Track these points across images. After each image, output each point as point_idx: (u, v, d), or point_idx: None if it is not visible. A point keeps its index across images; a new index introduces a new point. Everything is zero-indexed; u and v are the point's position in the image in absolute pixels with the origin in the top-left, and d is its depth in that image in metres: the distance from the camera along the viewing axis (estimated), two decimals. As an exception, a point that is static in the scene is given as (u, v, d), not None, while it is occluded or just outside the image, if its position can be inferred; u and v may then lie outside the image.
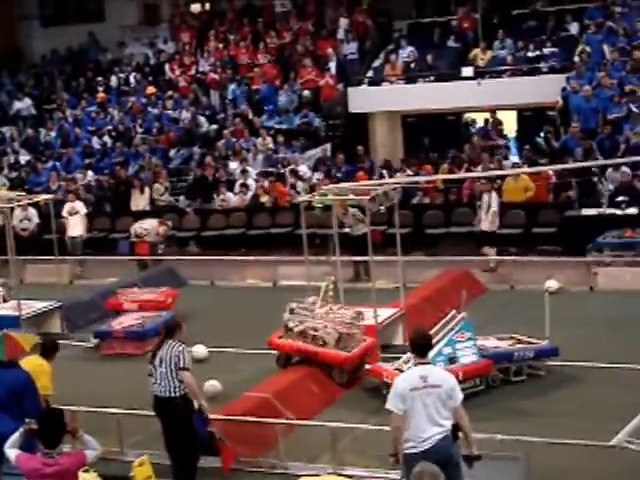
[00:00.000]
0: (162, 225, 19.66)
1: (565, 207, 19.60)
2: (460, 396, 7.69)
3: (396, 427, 7.61)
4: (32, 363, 9.75)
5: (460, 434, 7.68)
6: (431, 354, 8.75)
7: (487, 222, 18.50)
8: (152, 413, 9.61)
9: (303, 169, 22.96)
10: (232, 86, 26.58)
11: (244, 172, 22.89)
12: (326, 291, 13.32)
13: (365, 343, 12.53)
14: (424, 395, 7.54)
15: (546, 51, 23.78)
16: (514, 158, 22.12)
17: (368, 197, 13.39)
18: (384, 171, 21.98)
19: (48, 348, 10.15)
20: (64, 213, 21.05)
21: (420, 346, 7.84)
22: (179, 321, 10.10)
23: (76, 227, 18.25)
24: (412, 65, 25.10)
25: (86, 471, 8.14)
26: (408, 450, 7.50)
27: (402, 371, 9.92)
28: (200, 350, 13.54)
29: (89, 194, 24.21)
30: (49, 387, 9.91)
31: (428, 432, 7.49)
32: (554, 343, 12.15)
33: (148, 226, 19.62)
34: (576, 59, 22.71)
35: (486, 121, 24.49)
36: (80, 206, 20.64)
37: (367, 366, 12.10)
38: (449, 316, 12.02)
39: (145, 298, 16.07)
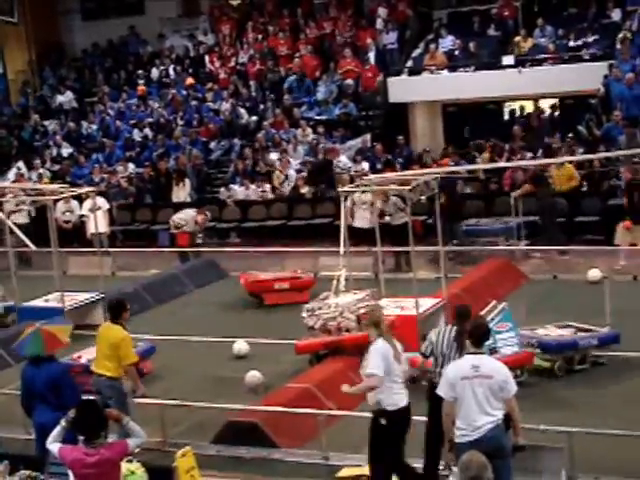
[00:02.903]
0: (200, 215, 19.72)
1: (608, 196, 19.41)
2: (514, 388, 7.64)
3: (447, 414, 7.63)
4: (107, 335, 9.85)
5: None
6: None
7: None
8: (195, 403, 9.65)
9: (343, 159, 22.92)
10: (295, 75, 26.48)
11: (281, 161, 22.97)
12: (338, 282, 13.33)
13: (388, 320, 12.54)
14: (475, 384, 7.51)
15: (588, 39, 23.54)
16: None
17: (409, 187, 13.34)
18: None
19: (114, 309, 10.16)
20: (84, 211, 20.85)
21: (477, 335, 7.83)
22: (123, 300, 10.29)
23: (100, 223, 18.32)
24: (455, 54, 24.96)
25: (129, 461, 8.20)
26: (459, 439, 7.50)
27: (424, 354, 9.85)
28: (242, 346, 13.58)
29: (131, 186, 24.38)
30: (129, 355, 9.99)
31: (479, 421, 7.47)
32: (615, 330, 12.05)
33: (185, 216, 19.70)
34: (618, 46, 22.45)
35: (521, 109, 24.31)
36: (102, 202, 20.52)
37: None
38: (489, 306, 11.95)
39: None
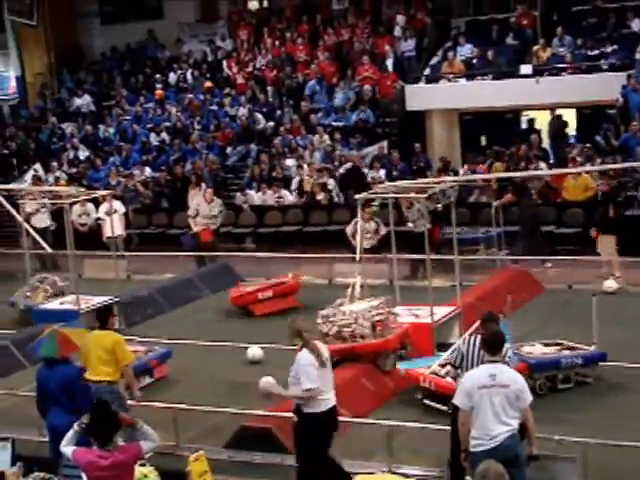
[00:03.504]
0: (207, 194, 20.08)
1: (625, 206, 19.36)
2: (529, 397, 7.65)
3: (463, 424, 7.62)
4: (100, 342, 9.91)
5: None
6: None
7: None
8: (209, 408, 9.66)
9: (346, 167, 22.99)
10: (311, 82, 26.50)
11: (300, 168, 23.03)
12: (353, 289, 13.34)
13: (400, 328, 12.65)
14: (492, 394, 7.51)
15: (606, 49, 23.50)
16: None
17: (425, 195, 13.34)
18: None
19: (102, 316, 10.36)
20: (100, 214, 20.86)
21: (493, 344, 7.83)
22: (110, 307, 10.56)
23: (116, 227, 18.44)
24: (473, 62, 24.96)
25: (142, 464, 8.23)
26: (475, 448, 7.49)
27: (439, 375, 9.90)
28: (256, 352, 13.59)
29: (146, 190, 24.45)
30: (127, 355, 10.19)
31: (495, 430, 7.47)
32: (602, 349, 11.87)
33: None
34: (637, 56, 22.41)
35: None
36: (118, 205, 20.57)
37: (400, 368, 11.99)
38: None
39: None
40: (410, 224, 17.85)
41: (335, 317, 12.73)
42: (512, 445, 7.48)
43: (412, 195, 13.86)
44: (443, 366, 11.21)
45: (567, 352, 11.90)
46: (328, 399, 8.70)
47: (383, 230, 17.56)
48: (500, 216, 18.84)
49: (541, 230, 18.99)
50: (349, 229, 17.94)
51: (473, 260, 18.13)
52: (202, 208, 19.98)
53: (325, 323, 12.73)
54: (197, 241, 20.07)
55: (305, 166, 23.45)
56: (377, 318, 12.45)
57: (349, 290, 13.35)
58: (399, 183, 15.41)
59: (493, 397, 7.51)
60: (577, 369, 11.77)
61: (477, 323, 10.35)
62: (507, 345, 11.16)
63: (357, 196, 14.47)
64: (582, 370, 11.83)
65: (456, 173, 21.61)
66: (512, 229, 19.03)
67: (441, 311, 13.47)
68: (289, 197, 22.96)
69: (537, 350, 11.94)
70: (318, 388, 8.53)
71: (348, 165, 23.12)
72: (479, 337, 8.64)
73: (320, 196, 22.42)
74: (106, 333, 10.17)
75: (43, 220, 21.29)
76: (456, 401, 7.72)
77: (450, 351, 10.62)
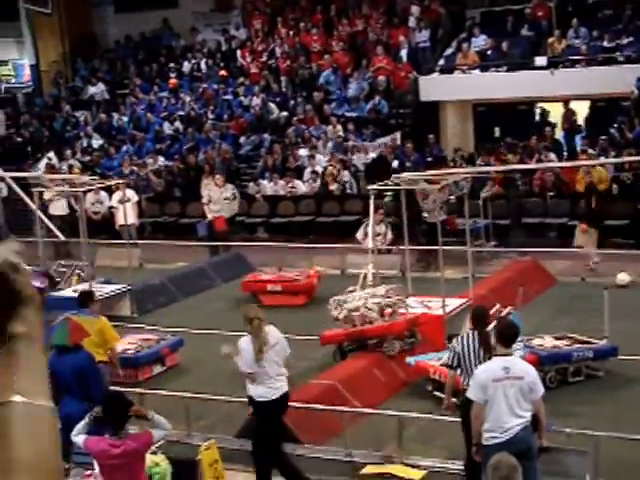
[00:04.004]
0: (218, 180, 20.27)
1: (638, 199, 19.31)
2: (541, 389, 7.66)
3: (476, 417, 7.62)
4: (89, 325, 10.01)
5: None
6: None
7: None
8: (220, 397, 9.70)
9: (372, 157, 22.94)
10: (326, 72, 26.45)
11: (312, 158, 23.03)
12: (364, 278, 13.39)
13: (411, 315, 12.74)
14: (506, 386, 7.52)
15: (622, 41, 23.39)
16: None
17: (438, 186, 13.34)
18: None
19: (82, 298, 10.75)
20: (114, 203, 20.91)
21: (507, 336, 7.83)
22: (91, 292, 10.85)
23: (129, 215, 18.48)
24: (487, 53, 24.89)
25: (154, 453, 8.25)
26: (488, 441, 7.49)
27: (451, 366, 9.85)
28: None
29: (159, 179, 24.48)
30: (115, 335, 10.75)
31: (509, 423, 7.47)
32: (613, 342, 11.88)
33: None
34: (653, 49, 22.33)
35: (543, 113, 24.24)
36: (132, 194, 20.59)
37: (410, 361, 11.99)
38: (495, 309, 11.95)
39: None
40: (425, 214, 17.86)
41: (345, 302, 12.84)
42: (525, 437, 7.48)
43: (425, 185, 13.83)
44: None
45: (578, 345, 11.90)
46: (274, 387, 8.97)
47: (390, 235, 17.62)
48: (489, 208, 18.88)
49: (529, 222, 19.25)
50: (359, 234, 17.98)
51: (482, 252, 18.14)
52: (214, 194, 20.10)
53: (336, 308, 12.83)
54: (211, 229, 20.14)
55: (323, 157, 23.47)
56: (385, 303, 12.54)
57: (361, 277, 13.41)
58: (412, 174, 15.40)
59: (507, 390, 7.51)
60: (588, 362, 11.77)
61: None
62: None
63: (369, 187, 14.46)
64: (593, 363, 11.82)
65: (470, 164, 21.57)
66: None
67: (453, 303, 13.48)
68: (302, 187, 22.96)
69: (548, 343, 11.94)
70: (255, 373, 8.89)
71: (374, 154, 23.08)
72: (473, 335, 8.66)
73: (333, 186, 22.42)
74: (94, 318, 10.48)
75: (60, 207, 21.38)
76: (470, 395, 7.71)
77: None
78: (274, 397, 8.92)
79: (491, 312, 11.72)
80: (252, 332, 8.94)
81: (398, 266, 16.79)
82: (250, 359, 8.86)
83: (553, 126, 23.57)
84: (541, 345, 11.79)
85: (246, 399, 9.28)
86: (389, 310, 12.58)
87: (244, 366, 8.93)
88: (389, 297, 12.78)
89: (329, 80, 26.27)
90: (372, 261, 13.88)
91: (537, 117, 25.84)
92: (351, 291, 13.28)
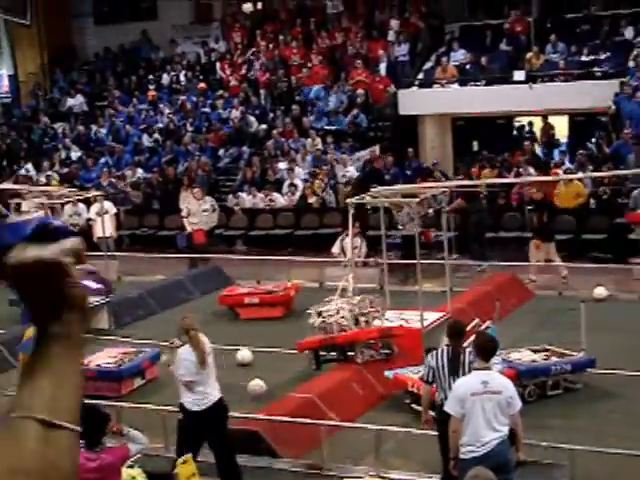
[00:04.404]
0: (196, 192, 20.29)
1: (615, 214, 19.43)
2: (519, 404, 7.69)
3: (454, 431, 7.62)
4: None
5: None
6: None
7: None
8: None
9: (351, 170, 22.98)
10: (315, 87, 26.45)
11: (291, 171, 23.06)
12: (343, 289, 13.45)
13: (386, 325, 12.83)
14: (484, 400, 7.53)
15: (600, 56, 23.56)
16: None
17: (417, 199, 13.39)
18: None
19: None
20: (92, 215, 20.77)
21: (486, 350, 7.84)
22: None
23: (107, 227, 18.41)
24: (466, 67, 25.01)
25: (130, 467, 8.23)
26: (465, 455, 7.50)
27: (427, 381, 9.95)
28: (246, 354, 13.60)
29: (138, 191, 24.42)
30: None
31: (487, 437, 7.49)
32: (591, 355, 11.92)
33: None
34: (630, 64, 22.48)
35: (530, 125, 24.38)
36: (109, 206, 20.59)
37: (389, 374, 12.00)
38: (474, 323, 11.97)
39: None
40: (400, 226, 17.92)
41: (322, 311, 12.93)
42: (502, 451, 7.50)
43: (404, 199, 13.89)
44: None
45: (556, 359, 11.91)
46: (210, 395, 9.13)
47: (364, 249, 17.73)
48: (452, 221, 18.89)
49: (486, 237, 19.43)
50: (335, 248, 18.02)
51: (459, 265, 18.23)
52: (193, 206, 20.12)
53: (312, 317, 12.92)
54: (190, 241, 20.13)
55: (301, 170, 23.51)
56: (359, 312, 12.61)
57: (339, 289, 13.45)
58: (391, 187, 15.47)
59: (485, 404, 7.53)
60: (566, 375, 11.79)
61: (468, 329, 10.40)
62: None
63: (347, 200, 14.49)
64: (571, 376, 11.85)
65: (447, 178, 21.65)
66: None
67: (431, 316, 13.50)
68: (280, 200, 22.98)
69: (525, 356, 11.95)
70: (195, 382, 9.04)
71: (353, 168, 23.06)
72: (448, 350, 8.68)
73: (312, 199, 22.45)
74: None
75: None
76: (448, 408, 7.72)
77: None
78: (208, 405, 9.08)
79: (469, 326, 11.79)
80: (190, 342, 9.16)
81: (377, 279, 16.82)
82: (193, 368, 9.03)
83: (533, 140, 23.71)
84: (519, 359, 11.80)
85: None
86: (363, 319, 12.66)
87: (187, 375, 9.07)
88: (363, 306, 12.84)
89: (319, 96, 26.19)
90: (351, 273, 13.92)
91: (515, 131, 26.02)
92: (328, 301, 13.34)
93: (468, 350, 8.62)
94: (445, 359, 8.63)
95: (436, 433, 8.59)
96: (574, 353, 11.99)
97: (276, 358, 13.73)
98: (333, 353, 12.80)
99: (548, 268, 17.90)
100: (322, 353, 12.80)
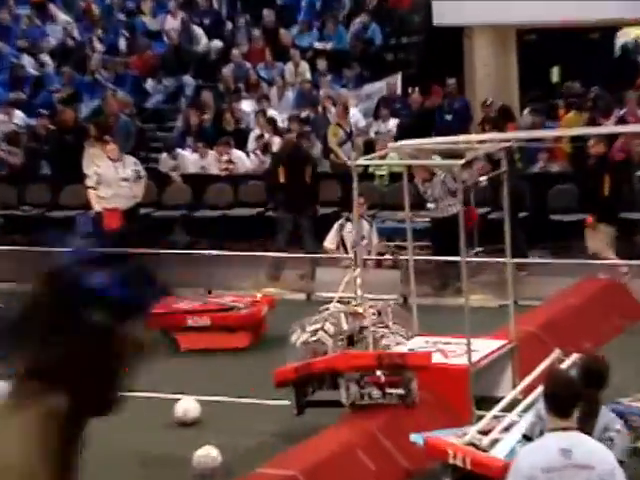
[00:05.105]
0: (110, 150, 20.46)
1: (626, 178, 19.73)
2: None
3: None
4: None
5: None
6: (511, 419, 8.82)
7: None
8: None
9: (356, 115, 23.04)
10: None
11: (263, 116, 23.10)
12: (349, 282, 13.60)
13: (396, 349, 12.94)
14: (565, 478, 7.58)
15: None
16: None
17: (462, 161, 13.43)
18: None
19: None
20: None
21: (561, 400, 7.87)
22: None
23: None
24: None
25: None
26: None
27: (481, 448, 9.93)
28: (190, 407, 13.64)
29: (15, 147, 24.35)
30: None
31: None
32: None
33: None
34: None
35: None
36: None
37: (417, 438, 12.07)
38: (554, 357, 12.08)
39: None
40: (430, 205, 17.96)
41: (310, 323, 13.10)
42: None
43: (438, 161, 13.94)
44: (486, 433, 11.30)
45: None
46: None
47: (376, 239, 17.79)
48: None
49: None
50: (330, 240, 18.12)
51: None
52: (105, 172, 20.04)
53: (295, 332, 13.02)
54: (99, 227, 20.14)
55: (279, 114, 23.54)
56: (359, 325, 12.75)
57: (343, 281, 13.57)
58: (417, 141, 15.49)
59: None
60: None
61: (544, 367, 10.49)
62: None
63: (350, 162, 14.56)
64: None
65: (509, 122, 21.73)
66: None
67: (484, 346, 13.57)
68: (245, 162, 22.94)
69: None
70: None
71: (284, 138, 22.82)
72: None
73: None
74: None
75: None
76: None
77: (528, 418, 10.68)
78: None
79: (546, 362, 11.90)
80: None
81: (397, 287, 16.90)
82: None
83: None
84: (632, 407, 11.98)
85: None
86: (363, 335, 12.77)
87: None
88: (366, 317, 12.93)
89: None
90: (357, 271, 14.06)
91: (618, 51, 26.06)
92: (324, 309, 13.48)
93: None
94: None
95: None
96: None
97: (237, 412, 13.80)
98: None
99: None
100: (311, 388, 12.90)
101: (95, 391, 2.42)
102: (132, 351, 2.43)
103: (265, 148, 22.68)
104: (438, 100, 23.30)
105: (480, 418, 12.25)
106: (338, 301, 13.77)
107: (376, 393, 12.38)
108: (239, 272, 18.88)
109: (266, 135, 22.77)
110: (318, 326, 12.98)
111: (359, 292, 13.75)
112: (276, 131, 22.82)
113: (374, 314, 13.20)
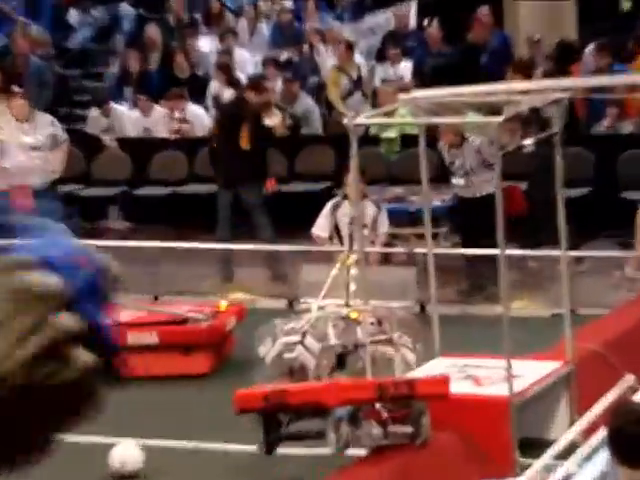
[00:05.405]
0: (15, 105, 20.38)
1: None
2: None
3: None
4: None
5: None
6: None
7: None
8: None
9: (356, 57, 23.10)
10: None
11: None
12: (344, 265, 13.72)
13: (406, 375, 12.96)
14: None
15: None
16: None
17: (500, 118, 13.42)
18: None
19: None
20: None
21: (635, 445, 7.88)
22: None
23: None
24: None
25: None
26: None
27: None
28: (129, 454, 13.64)
29: None
30: None
31: None
32: None
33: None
34: None
35: None
36: None
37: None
38: (623, 386, 12.12)
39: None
40: (457, 180, 17.98)
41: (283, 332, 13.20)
42: None
43: (471, 120, 13.95)
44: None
45: None
46: None
47: (384, 225, 17.81)
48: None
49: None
50: (319, 226, 18.14)
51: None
52: (11, 135, 20.08)
53: (265, 343, 13.12)
54: (4, 209, 20.21)
55: (249, 55, 23.61)
56: (353, 339, 12.79)
57: (330, 274, 13.65)
58: (437, 92, 15.47)
59: None
60: None
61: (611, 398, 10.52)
62: None
63: (346, 121, 14.55)
64: None
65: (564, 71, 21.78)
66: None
67: (529, 371, 13.57)
68: (204, 122, 22.96)
69: None
70: None
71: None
72: None
73: (274, 120, 22.45)
74: None
75: None
76: None
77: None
78: None
79: (614, 391, 11.92)
80: None
81: (411, 290, 16.92)
82: None
83: None
84: None
85: None
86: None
87: None
88: (365, 327, 12.96)
89: None
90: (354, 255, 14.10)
91: None
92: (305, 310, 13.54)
93: None
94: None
95: None
96: None
97: (192, 460, 13.82)
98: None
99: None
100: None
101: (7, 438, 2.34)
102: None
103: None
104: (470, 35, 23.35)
105: (526, 468, 12.26)
106: (321, 306, 13.73)
107: (376, 432, 12.32)
108: (196, 271, 18.93)
109: (215, 86, 22.87)
110: (296, 339, 12.94)
111: (353, 289, 13.76)
112: (230, 80, 22.84)
113: (372, 323, 13.16)
